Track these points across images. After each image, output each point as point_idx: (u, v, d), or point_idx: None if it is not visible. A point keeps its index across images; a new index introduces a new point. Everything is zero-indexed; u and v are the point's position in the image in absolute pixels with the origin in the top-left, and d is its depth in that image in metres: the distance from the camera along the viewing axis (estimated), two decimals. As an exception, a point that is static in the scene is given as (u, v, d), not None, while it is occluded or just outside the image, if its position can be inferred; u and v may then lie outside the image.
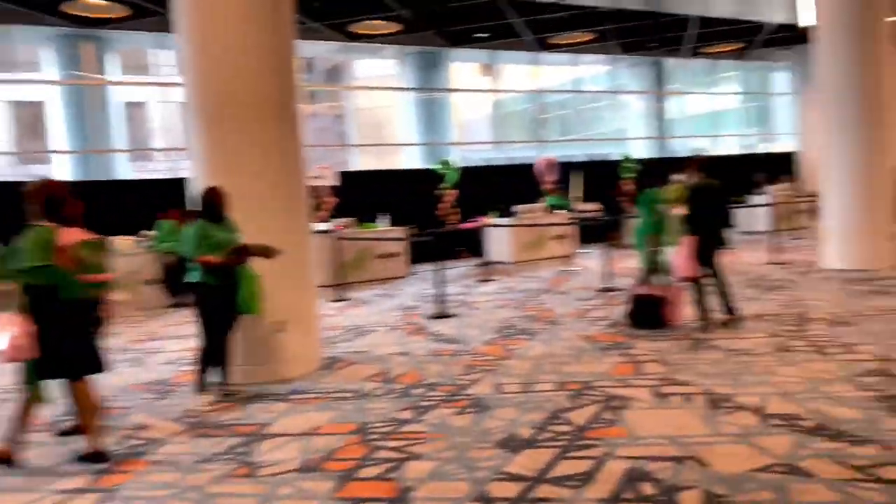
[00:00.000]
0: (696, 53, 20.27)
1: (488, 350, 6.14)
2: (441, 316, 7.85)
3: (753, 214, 16.03)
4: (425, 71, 17.59)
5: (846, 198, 9.67)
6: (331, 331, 7.38)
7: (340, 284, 9.94)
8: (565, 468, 3.44)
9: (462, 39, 16.59)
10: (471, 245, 14.00)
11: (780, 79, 23.51)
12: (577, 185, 15.31)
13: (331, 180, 12.00)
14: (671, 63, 21.63)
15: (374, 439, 4.04)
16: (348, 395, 5.00)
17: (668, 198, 6.98)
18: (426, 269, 11.55)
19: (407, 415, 4.45)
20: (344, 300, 9.54)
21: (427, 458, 3.70)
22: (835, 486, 3.01)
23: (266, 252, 5.06)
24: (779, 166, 19.63)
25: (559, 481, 3.30)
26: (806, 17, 14.26)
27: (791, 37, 18.36)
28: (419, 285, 10.60)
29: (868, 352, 5.26)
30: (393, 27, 14.37)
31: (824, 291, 8.05)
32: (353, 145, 17.22)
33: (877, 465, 3.18)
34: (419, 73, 17.51)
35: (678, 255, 6.56)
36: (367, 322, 7.87)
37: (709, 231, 6.40)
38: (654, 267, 6.86)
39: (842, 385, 4.47)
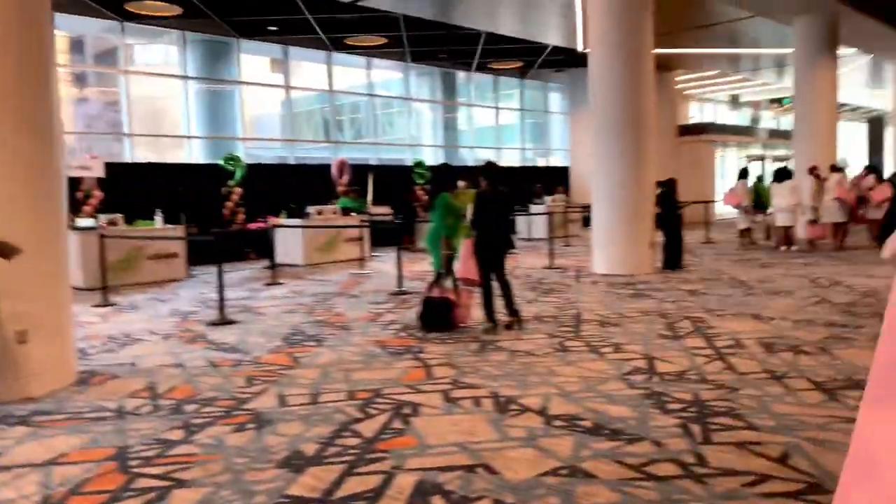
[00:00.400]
0: (483, 68, 21.22)
1: (273, 359, 5.75)
2: (222, 322, 7.28)
3: (532, 222, 17.09)
4: (212, 61, 16.54)
5: (612, 209, 10.55)
6: (90, 340, 6.52)
7: (105, 287, 8.89)
8: (353, 486, 3.21)
9: (252, 31, 15.82)
10: (259, 246, 13.36)
11: (555, 98, 25.40)
12: (368, 188, 15.26)
13: (98, 172, 10.75)
14: (461, 76, 22.44)
15: (135, 466, 3.52)
16: (106, 414, 4.36)
17: (459, 203, 7.08)
18: (208, 271, 10.77)
19: (176, 435, 3.95)
20: (109, 305, 8.54)
21: (197, 484, 3.28)
22: (615, 486, 3.09)
23: (2, 250, 4.26)
24: (554, 179, 21.14)
25: (346, 501, 3.06)
26: (582, 42, 15.49)
27: (566, 60, 19.87)
28: (199, 289, 9.83)
29: (634, 351, 5.66)
30: (174, 10, 13.28)
31: (594, 294, 8.67)
32: (127, 135, 15.65)
33: (650, 462, 3.34)
34: (205, 62, 16.42)
35: (463, 258, 6.66)
36: (136, 330, 7.07)
37: (495, 236, 6.56)
38: (446, 270, 6.91)
39: (614, 384, 4.73)
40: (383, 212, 15.17)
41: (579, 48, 17.24)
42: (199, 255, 11.66)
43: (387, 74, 21.57)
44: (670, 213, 10.98)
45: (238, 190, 14.10)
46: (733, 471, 3.20)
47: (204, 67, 16.38)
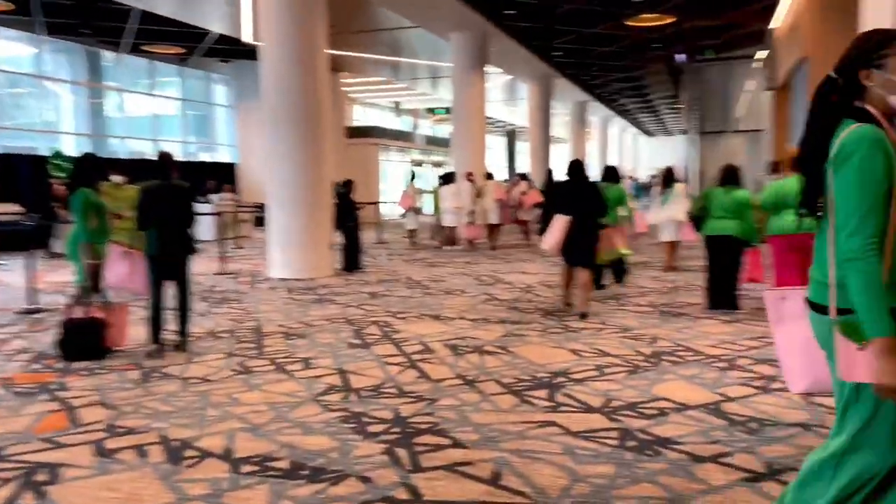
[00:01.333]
0: (137, 50, 19.03)
1: None
2: None
3: (199, 223, 15.72)
4: None
5: (289, 209, 10.04)
6: None
7: None
8: None
9: None
10: None
11: (221, 90, 23.97)
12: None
13: None
14: (109, 56, 19.85)
15: None
16: None
17: (113, 200, 5.94)
18: None
19: None
20: None
21: None
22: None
23: None
24: (221, 175, 19.86)
25: None
26: (249, 32, 14.62)
27: (231, 50, 18.79)
28: None
29: (325, 365, 5.22)
30: None
31: (274, 302, 8.07)
32: None
33: (361, 505, 2.90)
34: None
35: (111, 264, 5.60)
36: None
37: (169, 238, 5.58)
38: (93, 282, 5.68)
39: (308, 408, 4.22)
40: (10, 210, 12.61)
41: (245, 38, 16.34)
42: None
43: (14, 48, 18.12)
44: (349, 215, 10.85)
45: None
46: (450, 502, 2.92)
47: None
